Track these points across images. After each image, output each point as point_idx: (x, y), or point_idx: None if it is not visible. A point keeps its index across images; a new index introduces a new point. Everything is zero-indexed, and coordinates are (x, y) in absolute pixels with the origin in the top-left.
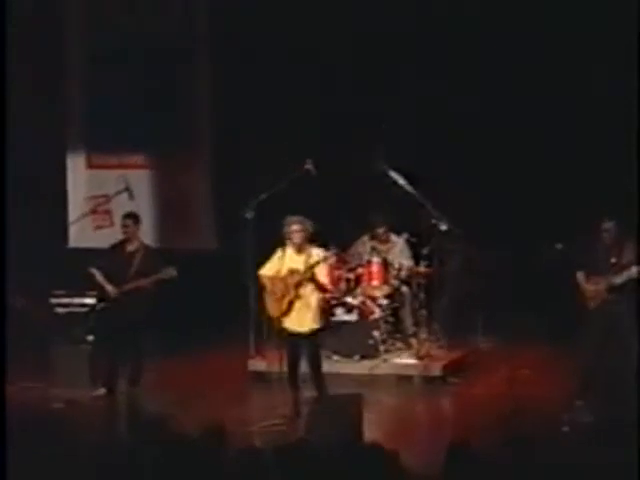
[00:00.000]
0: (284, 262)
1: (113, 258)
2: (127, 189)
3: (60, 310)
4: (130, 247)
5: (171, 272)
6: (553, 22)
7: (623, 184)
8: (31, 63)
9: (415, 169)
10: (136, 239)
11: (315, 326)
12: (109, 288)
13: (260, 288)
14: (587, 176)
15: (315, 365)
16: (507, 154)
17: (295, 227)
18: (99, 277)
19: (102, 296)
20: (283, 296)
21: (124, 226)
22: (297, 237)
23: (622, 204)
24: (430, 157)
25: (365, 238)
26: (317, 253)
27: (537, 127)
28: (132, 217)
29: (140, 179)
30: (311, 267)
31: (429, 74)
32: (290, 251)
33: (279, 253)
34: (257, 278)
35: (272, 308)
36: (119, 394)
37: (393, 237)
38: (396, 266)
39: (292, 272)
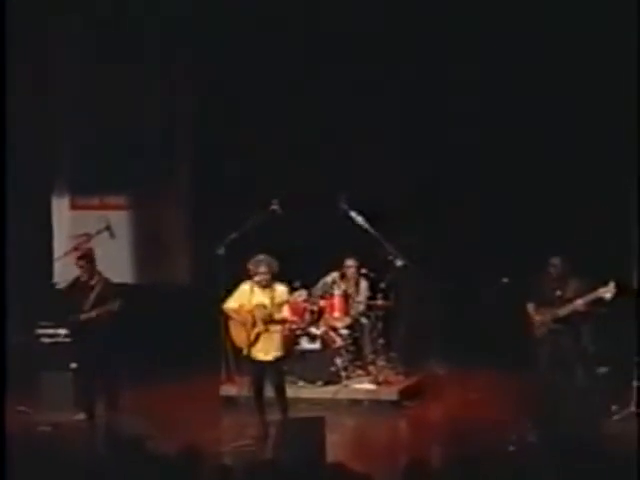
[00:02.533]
0: (250, 296)
1: (75, 291)
2: (108, 228)
3: (46, 340)
4: (91, 281)
5: (116, 305)
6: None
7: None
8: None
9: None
10: (96, 274)
11: (279, 354)
12: (71, 317)
13: (225, 319)
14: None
15: (279, 390)
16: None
17: (262, 267)
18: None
19: (69, 326)
20: (252, 327)
21: (80, 267)
22: (263, 275)
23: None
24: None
25: (335, 274)
26: (282, 289)
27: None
28: (84, 258)
29: (120, 219)
30: (280, 305)
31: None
32: (255, 287)
33: (244, 287)
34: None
35: (240, 338)
36: (98, 418)
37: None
38: (356, 300)
39: (259, 306)
